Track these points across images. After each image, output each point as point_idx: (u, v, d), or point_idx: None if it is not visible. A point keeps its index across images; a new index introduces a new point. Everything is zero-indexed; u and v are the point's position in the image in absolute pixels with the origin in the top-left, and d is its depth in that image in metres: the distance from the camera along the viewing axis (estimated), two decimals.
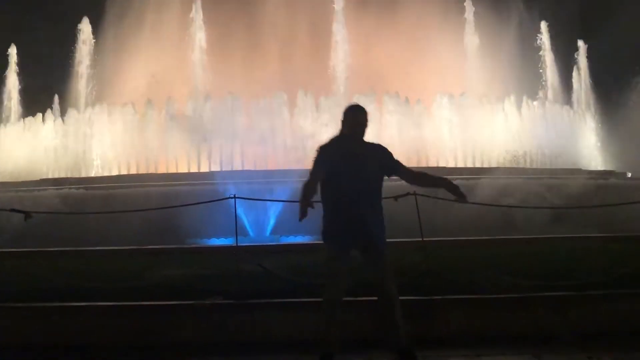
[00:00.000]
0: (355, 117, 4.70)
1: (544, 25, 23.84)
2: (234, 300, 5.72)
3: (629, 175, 20.24)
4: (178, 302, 5.74)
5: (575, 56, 24.28)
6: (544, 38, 23.84)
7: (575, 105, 23.60)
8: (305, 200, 4.52)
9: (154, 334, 5.51)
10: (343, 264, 4.59)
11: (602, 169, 20.51)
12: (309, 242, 9.43)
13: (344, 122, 4.74)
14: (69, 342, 5.44)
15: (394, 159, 4.74)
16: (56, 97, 21.13)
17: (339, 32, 21.83)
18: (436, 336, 5.41)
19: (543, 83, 23.91)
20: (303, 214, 4.51)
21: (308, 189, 4.57)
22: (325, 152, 4.67)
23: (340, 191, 4.57)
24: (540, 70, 24.00)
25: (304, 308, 5.53)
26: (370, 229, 4.56)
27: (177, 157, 18.31)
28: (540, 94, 23.05)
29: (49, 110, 20.41)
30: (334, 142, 4.72)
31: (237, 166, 17.28)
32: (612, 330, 5.45)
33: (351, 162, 4.57)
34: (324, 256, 4.70)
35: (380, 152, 4.72)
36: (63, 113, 20.15)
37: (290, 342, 5.27)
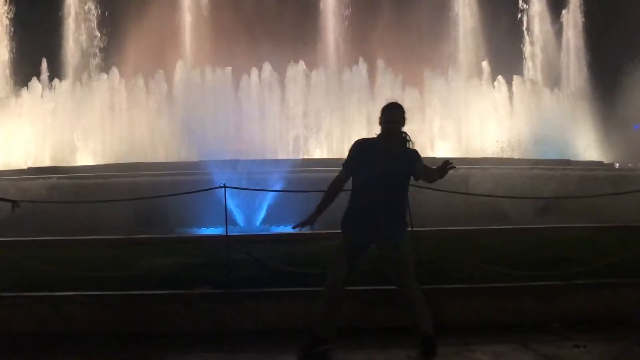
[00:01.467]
0: (386, 115, 4.70)
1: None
2: (224, 290, 5.72)
3: (617, 165, 20.45)
4: (167, 291, 5.73)
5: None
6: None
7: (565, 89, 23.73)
8: (322, 204, 4.68)
9: (142, 323, 5.50)
10: (348, 256, 4.64)
11: (592, 159, 20.68)
12: (299, 232, 9.40)
13: (380, 120, 4.75)
14: (56, 332, 5.42)
15: (420, 163, 4.74)
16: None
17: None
18: None
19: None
20: (310, 222, 4.66)
21: (333, 187, 4.71)
22: (358, 147, 4.74)
23: (364, 187, 4.64)
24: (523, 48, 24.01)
25: (293, 297, 5.55)
26: (382, 227, 4.60)
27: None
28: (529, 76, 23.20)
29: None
30: (370, 139, 4.78)
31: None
32: (598, 319, 5.53)
33: (380, 161, 4.61)
34: (336, 242, 4.79)
35: (411, 157, 4.72)
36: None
37: (280, 331, 5.28)
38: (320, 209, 4.70)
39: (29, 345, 5.20)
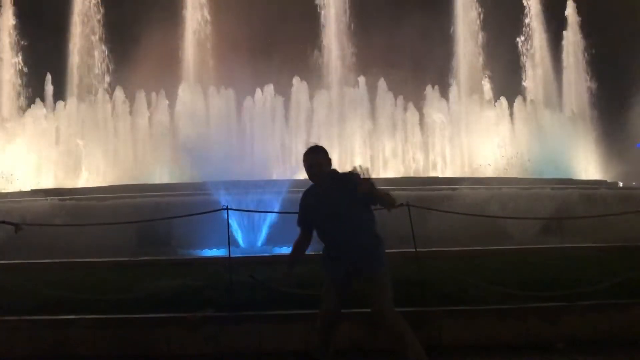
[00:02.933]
0: (306, 161, 4.64)
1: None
2: (226, 313, 5.69)
3: (621, 184, 20.39)
4: (169, 314, 5.70)
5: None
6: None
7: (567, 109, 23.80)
8: (290, 261, 4.76)
9: (144, 346, 5.46)
10: (334, 290, 4.59)
11: (595, 178, 20.67)
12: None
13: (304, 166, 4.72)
14: (58, 355, 5.39)
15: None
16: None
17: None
18: (428, 346, 5.38)
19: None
20: (287, 274, 4.75)
21: (295, 247, 4.76)
22: (303, 200, 4.74)
23: (324, 233, 4.63)
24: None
25: (296, 320, 5.52)
26: (355, 257, 4.51)
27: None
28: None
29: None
30: (311, 188, 4.74)
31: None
32: (604, 340, 5.47)
33: (322, 205, 4.58)
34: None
35: (349, 184, 4.51)
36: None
37: (282, 354, 5.24)
38: (291, 265, 4.78)
39: None
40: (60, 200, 13.72)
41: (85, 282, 7.16)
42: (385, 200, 4.47)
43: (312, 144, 4.77)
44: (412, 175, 19.71)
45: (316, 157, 4.62)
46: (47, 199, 13.83)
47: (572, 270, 7.24)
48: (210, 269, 8.02)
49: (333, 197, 4.54)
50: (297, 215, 4.76)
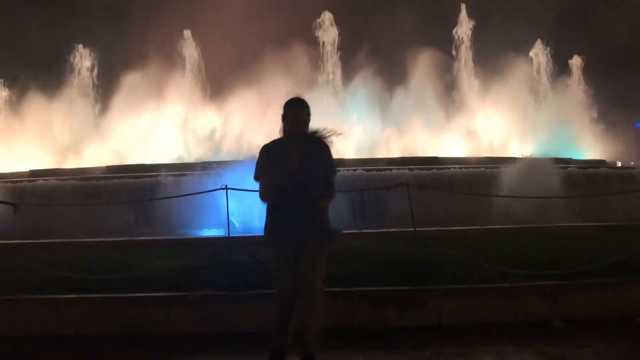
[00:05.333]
0: (295, 114, 4.40)
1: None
2: (226, 291, 5.71)
3: (619, 164, 20.37)
4: (169, 293, 5.73)
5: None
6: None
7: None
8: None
9: (144, 325, 5.49)
10: (286, 267, 4.36)
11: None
12: None
13: (284, 118, 4.44)
14: (58, 334, 5.41)
15: (331, 167, 4.47)
16: None
17: None
18: (428, 326, 5.44)
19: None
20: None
21: (267, 197, 4.40)
22: (266, 156, 4.45)
23: (279, 189, 4.35)
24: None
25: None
26: (303, 228, 4.30)
27: None
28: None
29: None
30: (276, 142, 4.49)
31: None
32: (602, 318, 5.50)
33: (290, 161, 4.30)
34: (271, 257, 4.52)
35: (324, 153, 4.43)
36: None
37: None
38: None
39: (31, 348, 5.20)
40: (58, 180, 13.68)
41: (84, 262, 7.17)
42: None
43: (295, 95, 4.52)
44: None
45: (303, 113, 4.41)
46: (44, 179, 13.79)
47: (571, 249, 7.27)
48: (210, 249, 8.04)
49: (306, 156, 4.32)
50: (255, 169, 4.43)
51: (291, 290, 4.33)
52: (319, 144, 4.42)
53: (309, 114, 4.45)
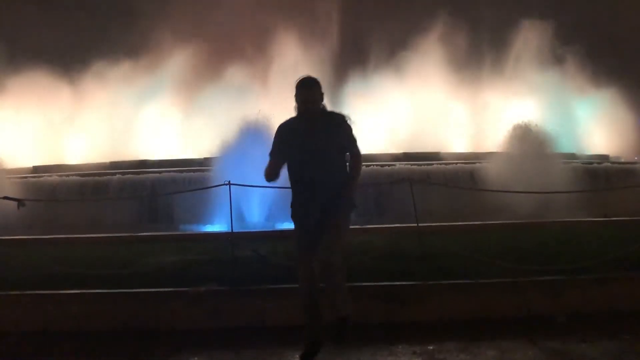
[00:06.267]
0: (304, 93, 4.39)
1: None
2: (229, 287, 5.73)
3: (622, 159, 20.27)
4: (172, 288, 5.75)
5: None
6: None
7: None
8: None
9: (148, 320, 5.51)
10: (310, 245, 4.41)
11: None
12: None
13: (295, 98, 4.44)
14: (61, 329, 5.44)
15: (350, 138, 4.51)
16: None
17: None
18: (429, 320, 5.46)
19: None
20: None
21: (268, 175, 4.45)
22: (280, 134, 4.52)
23: (298, 172, 4.47)
24: None
25: (298, 294, 5.54)
26: (324, 198, 4.38)
27: None
28: None
29: None
30: (289, 121, 4.54)
31: None
32: (604, 313, 5.50)
33: (305, 142, 4.39)
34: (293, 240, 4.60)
35: (339, 127, 4.47)
36: None
37: (285, 328, 5.28)
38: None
39: (35, 343, 5.23)
40: (62, 177, 13.73)
41: (88, 258, 7.21)
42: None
43: (305, 76, 4.52)
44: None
45: (312, 93, 4.42)
46: (48, 175, 13.84)
47: (573, 244, 7.26)
48: (214, 244, 8.07)
49: (318, 135, 4.40)
50: (272, 147, 4.50)
51: (315, 276, 4.41)
52: (332, 119, 4.47)
53: (320, 93, 4.48)
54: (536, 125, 14.28)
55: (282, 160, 4.49)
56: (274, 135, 4.57)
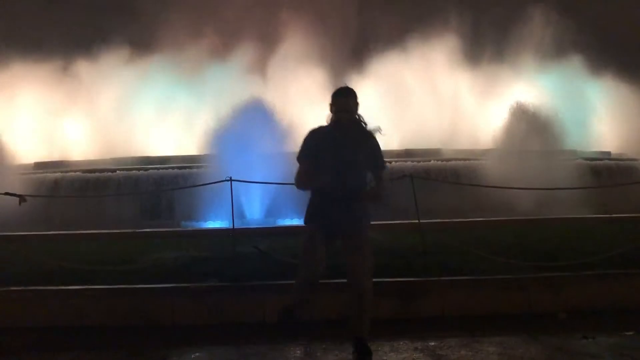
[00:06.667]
0: (337, 104, 4.42)
1: None
2: (230, 283, 5.73)
3: (625, 157, 20.20)
4: (173, 284, 5.75)
5: None
6: None
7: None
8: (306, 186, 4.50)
9: (149, 316, 5.52)
10: (318, 244, 4.41)
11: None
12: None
13: (330, 107, 4.49)
14: (64, 325, 5.45)
15: (377, 157, 4.50)
16: None
17: None
18: (431, 316, 5.46)
19: None
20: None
21: (303, 184, 4.47)
22: (311, 139, 4.50)
23: (322, 179, 4.42)
24: None
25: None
26: (345, 216, 4.39)
27: None
28: None
29: None
30: (322, 128, 4.53)
31: None
32: (606, 310, 5.50)
33: (338, 150, 4.38)
34: (303, 237, 4.58)
35: (369, 140, 4.47)
36: None
37: (285, 324, 5.27)
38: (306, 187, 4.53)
39: (38, 339, 5.23)
40: (64, 173, 13.74)
41: (89, 253, 7.21)
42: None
43: (343, 85, 4.55)
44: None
45: (347, 102, 4.42)
46: (51, 171, 13.85)
47: (575, 241, 7.25)
48: (214, 240, 8.07)
49: (349, 146, 4.39)
50: (301, 149, 4.49)
51: (320, 272, 4.44)
52: (364, 134, 4.46)
53: (356, 104, 4.46)
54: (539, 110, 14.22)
55: (312, 166, 4.45)
56: (303, 140, 4.53)
